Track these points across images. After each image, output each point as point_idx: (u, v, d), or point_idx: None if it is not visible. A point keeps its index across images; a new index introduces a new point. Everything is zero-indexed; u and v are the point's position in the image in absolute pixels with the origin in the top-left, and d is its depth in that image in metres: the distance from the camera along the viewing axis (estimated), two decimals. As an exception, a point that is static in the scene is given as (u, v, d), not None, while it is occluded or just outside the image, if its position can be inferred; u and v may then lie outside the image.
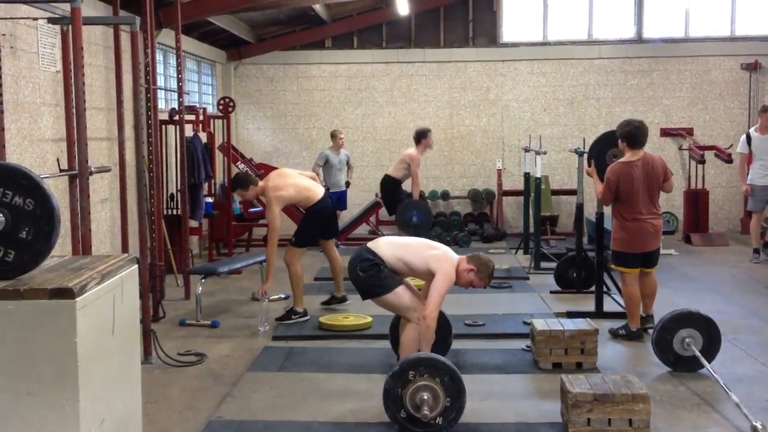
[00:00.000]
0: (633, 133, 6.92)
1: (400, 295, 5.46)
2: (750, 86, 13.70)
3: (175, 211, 10.00)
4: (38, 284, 3.22)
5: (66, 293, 3.14)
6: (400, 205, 10.58)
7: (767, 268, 10.46)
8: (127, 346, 3.83)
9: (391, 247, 5.58)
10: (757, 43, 13.72)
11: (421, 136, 10.63)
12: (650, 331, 6.58)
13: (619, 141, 7.04)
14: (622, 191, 6.85)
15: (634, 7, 13.88)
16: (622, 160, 6.99)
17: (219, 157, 11.74)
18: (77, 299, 3.15)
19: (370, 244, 5.63)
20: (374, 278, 5.44)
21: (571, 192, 11.95)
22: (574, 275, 8.74)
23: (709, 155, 12.89)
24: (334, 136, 12.16)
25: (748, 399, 5.20)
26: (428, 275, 5.44)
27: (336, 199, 11.91)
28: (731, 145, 13.26)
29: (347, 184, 12.47)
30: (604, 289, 7.96)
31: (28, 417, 3.15)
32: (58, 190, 6.83)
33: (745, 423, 4.78)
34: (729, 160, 12.74)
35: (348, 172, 12.41)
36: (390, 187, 10.83)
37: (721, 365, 5.91)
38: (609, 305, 7.81)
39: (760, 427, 4.62)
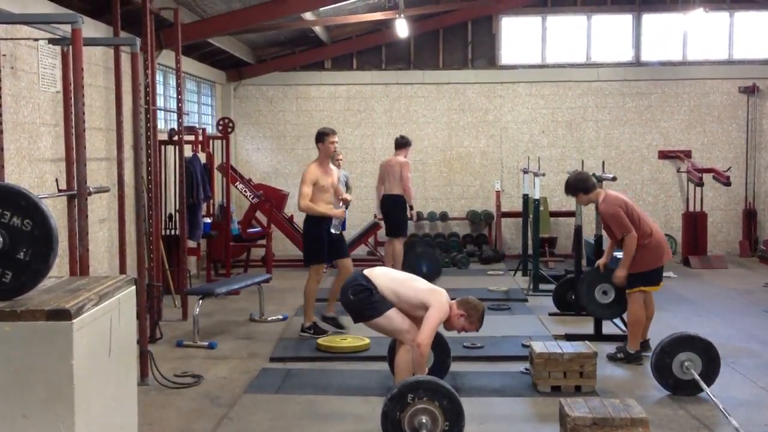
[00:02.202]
0: (582, 180, 7.15)
1: (392, 318, 5.45)
2: (748, 109, 13.75)
3: (173, 232, 9.98)
4: (35, 305, 3.20)
5: (63, 315, 3.12)
6: (410, 253, 10.66)
7: (767, 291, 10.43)
8: (124, 368, 3.80)
9: (385, 278, 5.61)
10: (755, 66, 13.80)
11: (407, 144, 10.79)
12: (646, 354, 6.57)
13: (577, 195, 7.17)
14: (632, 218, 6.87)
15: (632, 31, 13.96)
16: (607, 196, 7.03)
17: (218, 177, 11.75)
18: (74, 321, 3.14)
19: (366, 272, 5.67)
20: (364, 302, 5.47)
21: (570, 214, 11.95)
22: (573, 297, 8.71)
23: (707, 178, 12.92)
24: (332, 157, 12.13)
25: (747, 423, 5.17)
26: (419, 309, 5.44)
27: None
28: (729, 168, 13.31)
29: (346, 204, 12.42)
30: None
31: (23, 439, 3.12)
32: (56, 210, 6.83)
33: (746, 448, 4.75)
34: (727, 182, 12.77)
35: (347, 192, 12.40)
36: (394, 205, 10.63)
37: (721, 389, 5.89)
38: (608, 328, 7.78)
39: (760, 452, 4.59)
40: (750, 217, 13.71)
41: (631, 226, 6.80)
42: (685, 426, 5.34)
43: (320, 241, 7.89)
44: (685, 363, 5.91)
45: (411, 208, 10.84)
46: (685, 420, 5.46)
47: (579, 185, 7.08)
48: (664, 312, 9.10)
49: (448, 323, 5.51)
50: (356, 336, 7.42)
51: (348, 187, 12.47)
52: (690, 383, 5.89)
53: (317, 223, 7.87)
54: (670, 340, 6.02)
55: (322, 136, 7.95)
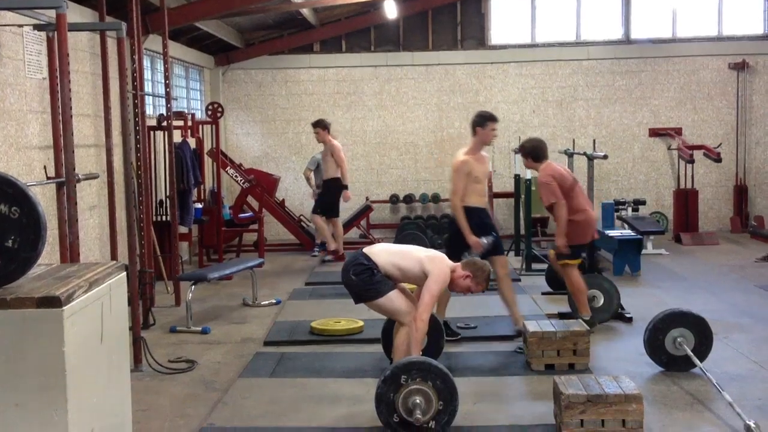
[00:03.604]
0: (538, 147, 7.39)
1: (393, 299, 5.44)
2: (738, 85, 13.75)
3: (164, 218, 9.95)
4: (25, 293, 3.18)
5: (53, 302, 3.11)
6: (399, 235, 10.95)
7: (758, 267, 10.48)
8: (116, 354, 3.79)
9: (385, 253, 5.57)
10: (744, 42, 13.78)
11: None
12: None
13: (524, 158, 7.45)
14: (564, 191, 7.15)
15: (621, 8, 13.91)
16: (546, 167, 7.28)
17: (208, 162, 11.70)
18: (64, 308, 3.12)
19: (365, 249, 5.62)
20: (366, 282, 5.43)
21: (562, 193, 11.94)
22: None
23: (698, 155, 12.94)
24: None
25: (741, 398, 5.20)
26: (422, 278, 5.43)
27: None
28: (720, 144, 13.33)
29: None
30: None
31: (15, 428, 3.11)
32: (45, 197, 6.79)
33: (739, 422, 4.78)
34: (718, 159, 12.80)
35: None
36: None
37: (714, 364, 5.92)
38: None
39: (753, 425, 4.61)
40: (741, 193, 13.75)
41: (559, 196, 7.07)
42: (678, 401, 5.37)
43: (488, 225, 7.07)
44: (678, 339, 5.93)
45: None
46: (679, 395, 5.49)
47: (533, 152, 7.38)
48: (656, 289, 9.15)
49: (453, 285, 5.47)
50: (350, 318, 7.41)
51: None
52: (683, 359, 5.91)
53: (478, 214, 7.00)
54: (663, 317, 6.04)
55: (482, 121, 7.00)
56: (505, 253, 10.68)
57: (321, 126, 11.08)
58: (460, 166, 6.95)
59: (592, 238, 7.46)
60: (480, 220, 6.96)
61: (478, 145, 7.07)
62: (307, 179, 12.03)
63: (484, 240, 6.81)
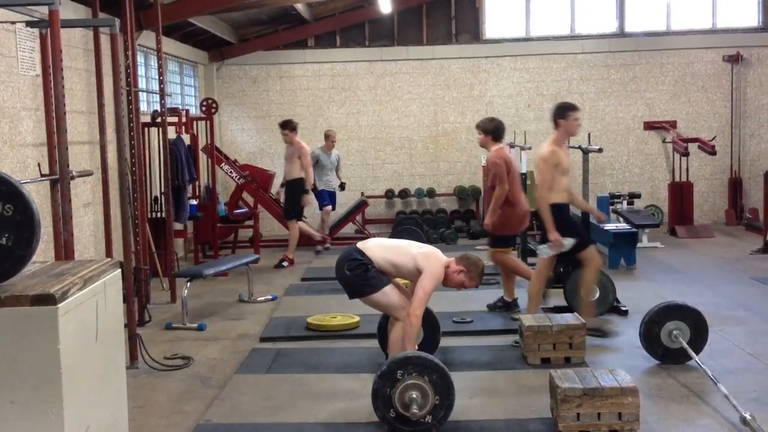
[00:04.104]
0: (499, 128, 7.65)
1: (388, 294, 5.43)
2: (732, 78, 13.76)
3: (159, 214, 9.93)
4: (19, 291, 3.17)
5: (48, 299, 3.11)
6: (395, 230, 11.01)
7: (753, 259, 10.50)
8: (112, 352, 3.79)
9: (379, 248, 5.56)
10: (738, 35, 13.79)
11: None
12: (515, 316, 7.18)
13: (484, 134, 7.65)
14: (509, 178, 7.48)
15: (616, 2, 13.91)
16: (498, 150, 7.60)
17: (203, 158, 11.67)
18: (59, 305, 3.12)
19: (359, 245, 5.62)
20: (361, 277, 5.42)
21: (557, 187, 11.94)
22: (561, 270, 8.72)
23: (692, 147, 12.96)
24: (327, 136, 12.17)
25: (736, 390, 5.21)
26: (416, 274, 5.43)
27: (327, 198, 12.01)
28: (714, 137, 13.35)
29: (342, 185, 12.51)
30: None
31: (11, 426, 3.11)
32: (39, 195, 6.77)
33: (734, 414, 4.79)
34: (713, 152, 12.82)
35: (338, 173, 12.42)
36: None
37: (709, 357, 5.93)
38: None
39: (749, 417, 4.63)
40: (735, 185, 13.77)
41: (504, 179, 7.39)
42: (674, 394, 5.38)
43: (573, 224, 6.95)
44: (674, 332, 5.94)
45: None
46: (675, 388, 5.50)
47: (495, 131, 7.62)
48: (651, 282, 9.17)
49: (446, 280, 5.48)
50: (346, 314, 7.41)
51: (339, 168, 12.45)
52: (678, 352, 5.93)
53: (564, 210, 6.85)
54: (658, 310, 6.05)
55: (564, 111, 6.83)
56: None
57: (289, 127, 10.92)
58: (549, 156, 6.71)
59: (521, 230, 7.89)
60: (567, 217, 6.82)
61: (562, 137, 6.88)
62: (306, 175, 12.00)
63: (567, 242, 6.67)
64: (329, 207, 12.18)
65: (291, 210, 11.09)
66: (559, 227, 6.68)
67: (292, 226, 11.07)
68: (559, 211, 6.75)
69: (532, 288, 7.06)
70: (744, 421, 4.64)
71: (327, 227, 12.18)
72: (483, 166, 7.59)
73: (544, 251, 6.75)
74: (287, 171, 11.10)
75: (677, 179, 13.28)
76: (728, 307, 7.85)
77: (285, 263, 10.83)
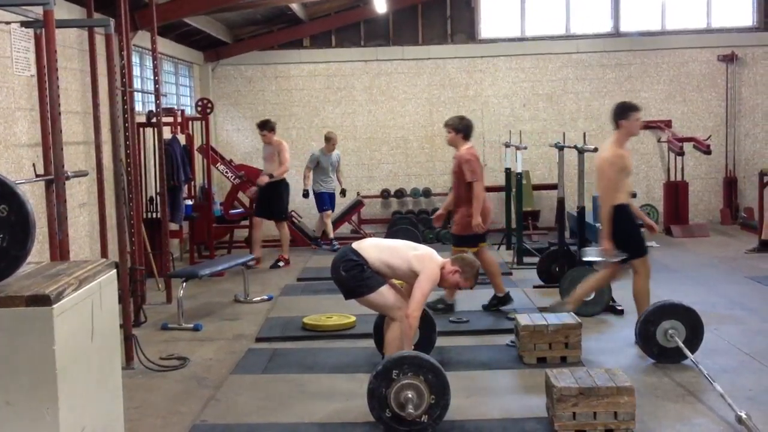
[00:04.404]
0: (470, 126, 7.73)
1: (384, 294, 5.44)
2: (727, 77, 13.78)
3: (154, 215, 9.91)
4: (14, 292, 3.17)
5: (43, 300, 3.10)
6: (391, 230, 10.94)
7: (749, 258, 10.53)
8: (107, 352, 3.78)
9: (375, 249, 5.56)
10: (733, 34, 13.81)
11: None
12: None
13: (454, 132, 7.69)
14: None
15: (610, 1, 13.92)
16: (470, 148, 7.69)
17: (198, 159, 11.66)
18: (54, 306, 3.11)
19: (354, 245, 5.62)
20: (357, 278, 5.43)
21: (552, 186, 11.97)
22: (557, 269, 8.75)
23: (687, 147, 12.98)
24: (329, 139, 12.06)
25: (732, 389, 5.22)
26: (411, 276, 5.43)
27: (329, 201, 11.99)
28: (709, 136, 13.37)
29: (343, 192, 12.47)
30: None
31: (6, 427, 3.10)
32: (34, 195, 6.75)
33: (730, 413, 4.80)
34: (708, 151, 12.83)
35: (337, 174, 12.35)
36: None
37: (705, 356, 5.94)
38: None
39: (744, 416, 4.64)
40: (731, 184, 13.79)
41: (480, 175, 7.50)
42: (670, 393, 5.39)
43: (633, 230, 6.75)
44: (669, 331, 5.95)
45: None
46: (670, 387, 5.51)
47: (466, 130, 7.71)
48: (647, 281, 9.17)
49: (442, 281, 5.49)
50: (342, 314, 7.41)
51: (339, 170, 12.40)
52: (674, 351, 5.94)
53: (627, 215, 6.66)
54: (654, 309, 6.06)
55: (625, 111, 6.65)
56: (497, 247, 10.71)
57: (268, 128, 10.82)
58: (616, 159, 6.52)
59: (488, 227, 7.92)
60: (628, 219, 6.61)
61: (624, 138, 6.68)
62: (305, 178, 11.97)
63: (617, 257, 6.59)
64: (329, 211, 12.14)
65: (278, 211, 10.95)
66: (617, 233, 6.49)
67: (282, 227, 10.97)
68: (622, 211, 6.53)
69: (639, 289, 6.68)
70: (740, 420, 4.65)
71: (330, 231, 12.08)
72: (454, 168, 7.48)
73: (592, 254, 6.61)
74: (267, 171, 10.90)
75: (672, 179, 13.31)
76: (724, 306, 7.87)
77: (281, 263, 10.82)
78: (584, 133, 10.03)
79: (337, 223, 12.76)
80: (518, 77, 13.94)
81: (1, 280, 3.28)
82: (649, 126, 13.87)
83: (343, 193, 12.54)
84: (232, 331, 7.42)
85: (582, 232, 8.17)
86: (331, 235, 12.06)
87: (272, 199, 10.87)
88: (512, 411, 5.12)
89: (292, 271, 10.43)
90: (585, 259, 6.91)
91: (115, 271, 3.88)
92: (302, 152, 13.47)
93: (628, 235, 6.58)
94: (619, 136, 6.65)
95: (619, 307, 7.62)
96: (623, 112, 6.64)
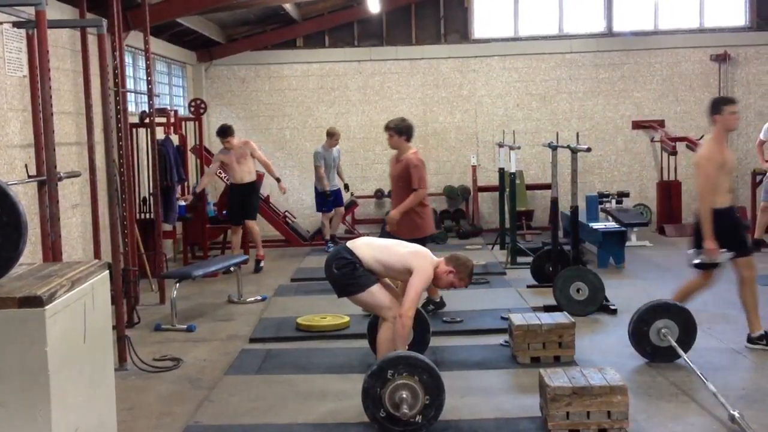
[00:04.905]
0: (412, 128, 7.82)
1: (375, 293, 5.43)
2: (720, 77, 13.81)
3: (148, 215, 9.89)
4: (6, 293, 3.15)
5: (35, 301, 3.09)
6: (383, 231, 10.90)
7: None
8: (100, 353, 3.77)
9: (368, 247, 5.56)
10: (725, 34, 13.84)
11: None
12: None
13: (398, 135, 7.78)
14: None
15: (603, 1, 13.94)
16: (417, 152, 7.77)
17: (191, 159, 11.64)
18: (46, 307, 3.10)
19: (348, 244, 5.62)
20: (349, 276, 5.42)
21: (546, 186, 11.99)
22: (551, 269, 8.76)
23: (680, 146, 13.01)
24: (332, 134, 11.97)
25: (725, 388, 5.23)
26: (406, 274, 5.43)
27: (341, 198, 11.94)
28: (702, 136, 13.38)
29: (346, 186, 12.49)
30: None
31: (-2, 429, 3.09)
32: (27, 196, 6.73)
33: (723, 412, 4.81)
34: (701, 151, 12.84)
35: (337, 171, 12.33)
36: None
37: (698, 355, 5.95)
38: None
39: (737, 415, 4.65)
40: (723, 184, 13.81)
41: (426, 183, 7.52)
42: (663, 392, 5.40)
43: (737, 232, 6.43)
44: (662, 330, 5.96)
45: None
46: (664, 386, 5.52)
47: (408, 131, 7.83)
48: (640, 280, 9.20)
49: (436, 280, 5.47)
50: (336, 314, 7.40)
51: (339, 166, 12.38)
52: (667, 350, 5.95)
53: (729, 215, 6.30)
54: (647, 308, 6.07)
55: (718, 106, 6.32)
56: (491, 247, 10.69)
57: (231, 133, 10.39)
58: (713, 155, 6.16)
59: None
60: (733, 223, 6.31)
61: (721, 134, 6.32)
62: (321, 178, 11.90)
63: (723, 256, 6.23)
64: (341, 209, 12.27)
65: (253, 211, 10.67)
66: (720, 236, 6.13)
67: (253, 225, 10.58)
68: (724, 217, 6.17)
69: (748, 298, 6.41)
70: (732, 418, 4.66)
71: (327, 231, 12.14)
72: (414, 166, 7.31)
73: (696, 257, 6.28)
74: (238, 175, 10.42)
75: (665, 178, 13.34)
76: (717, 305, 7.88)
77: (262, 263, 10.71)
78: (577, 133, 10.05)
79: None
80: (511, 77, 13.96)
81: (-7, 281, 3.27)
82: (642, 126, 13.92)
83: (346, 187, 12.56)
84: (226, 332, 7.41)
85: (575, 232, 8.18)
86: (327, 236, 12.05)
87: (246, 202, 10.54)
88: (506, 411, 5.12)
89: (286, 272, 10.41)
90: (694, 263, 6.34)
91: (107, 272, 3.87)
92: (295, 152, 13.48)
93: (732, 234, 6.23)
94: (716, 133, 6.32)
95: (613, 307, 7.64)
96: (716, 106, 6.32)
